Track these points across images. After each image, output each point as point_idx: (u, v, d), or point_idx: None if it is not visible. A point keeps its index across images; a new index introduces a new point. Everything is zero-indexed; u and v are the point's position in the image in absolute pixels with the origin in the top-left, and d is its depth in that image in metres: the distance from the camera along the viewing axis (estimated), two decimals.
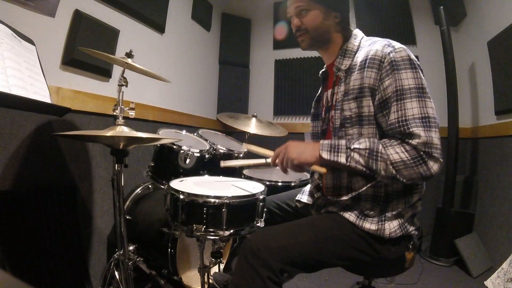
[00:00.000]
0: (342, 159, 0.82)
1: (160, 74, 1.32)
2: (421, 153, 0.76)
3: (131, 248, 1.43)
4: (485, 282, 1.76)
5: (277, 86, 3.16)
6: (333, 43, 0.99)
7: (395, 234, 0.86)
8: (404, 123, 0.78)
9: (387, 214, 0.87)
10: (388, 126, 0.82)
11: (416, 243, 0.93)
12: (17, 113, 1.26)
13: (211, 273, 1.37)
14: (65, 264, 1.34)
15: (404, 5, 2.68)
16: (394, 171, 0.77)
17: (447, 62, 2.15)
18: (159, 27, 2.15)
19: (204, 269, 1.21)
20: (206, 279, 1.26)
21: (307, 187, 1.18)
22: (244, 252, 0.83)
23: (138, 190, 1.70)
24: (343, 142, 0.85)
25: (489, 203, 2.10)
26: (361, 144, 0.81)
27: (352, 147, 0.82)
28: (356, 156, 0.81)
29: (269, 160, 1.01)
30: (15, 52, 0.90)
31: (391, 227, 0.86)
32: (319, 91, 1.14)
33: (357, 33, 0.98)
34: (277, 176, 1.77)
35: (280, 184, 1.64)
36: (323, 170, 0.86)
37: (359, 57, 0.90)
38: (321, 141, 0.87)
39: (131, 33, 1.87)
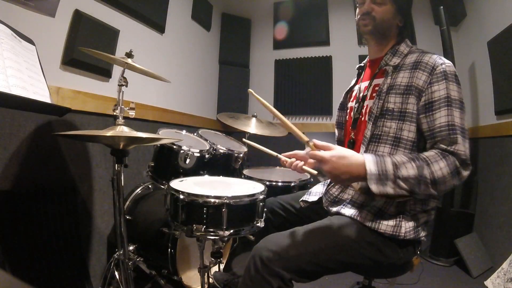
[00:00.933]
0: (390, 190, 0.80)
1: (160, 74, 1.32)
2: (459, 164, 0.81)
3: (131, 248, 1.43)
4: (485, 282, 1.76)
5: (277, 86, 3.16)
6: (387, 41, 1.04)
7: (409, 235, 0.87)
8: (452, 127, 0.84)
9: (404, 213, 0.89)
10: (436, 128, 0.86)
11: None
12: (17, 113, 1.26)
13: (211, 273, 1.37)
14: (65, 264, 1.34)
15: None
16: (432, 190, 0.81)
17: None
18: (159, 27, 2.15)
19: (204, 269, 1.21)
20: (206, 279, 1.27)
21: (314, 189, 1.17)
22: (254, 260, 0.82)
23: (138, 190, 1.70)
24: (389, 168, 0.80)
25: (489, 203, 2.10)
26: (409, 171, 0.80)
27: (400, 175, 0.80)
28: (403, 184, 0.80)
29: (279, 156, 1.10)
30: (15, 52, 0.90)
31: (407, 226, 0.87)
32: (352, 83, 1.18)
33: (408, 42, 1.04)
34: (277, 176, 1.77)
35: (280, 184, 1.64)
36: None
37: (409, 60, 0.95)
38: (368, 167, 0.80)
39: (131, 33, 1.87)
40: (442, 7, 2.15)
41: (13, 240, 1.18)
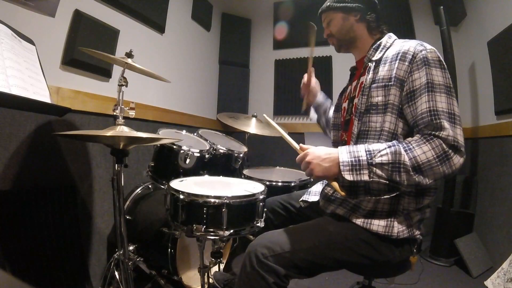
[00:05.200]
0: (365, 177, 0.81)
1: (160, 74, 1.32)
2: (447, 148, 0.76)
3: (131, 248, 1.43)
4: (485, 282, 1.76)
5: (277, 86, 3.16)
6: (360, 39, 1.05)
7: (402, 235, 0.87)
8: (435, 113, 0.79)
9: (397, 212, 0.88)
10: (418, 116, 0.82)
11: (419, 246, 0.94)
12: (17, 113, 1.26)
13: (211, 273, 1.37)
14: (65, 264, 1.34)
15: (404, 5, 2.68)
16: (417, 179, 0.78)
17: (447, 62, 2.12)
18: (159, 27, 2.15)
19: (204, 269, 1.21)
20: (206, 279, 1.26)
21: (313, 188, 1.18)
22: (250, 257, 0.83)
23: (138, 190, 1.70)
24: (363, 155, 0.82)
25: (489, 203, 2.10)
26: (383, 157, 0.80)
27: (374, 162, 0.80)
28: (379, 171, 0.80)
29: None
30: (15, 52, 0.90)
31: (400, 226, 0.87)
32: (346, 84, 1.19)
33: (391, 35, 1.05)
34: (277, 176, 1.77)
35: (280, 184, 1.64)
36: (342, 193, 0.85)
37: (391, 52, 0.95)
38: (340, 157, 0.83)
39: (131, 33, 1.87)
40: (442, 7, 2.15)
41: (13, 240, 1.18)
